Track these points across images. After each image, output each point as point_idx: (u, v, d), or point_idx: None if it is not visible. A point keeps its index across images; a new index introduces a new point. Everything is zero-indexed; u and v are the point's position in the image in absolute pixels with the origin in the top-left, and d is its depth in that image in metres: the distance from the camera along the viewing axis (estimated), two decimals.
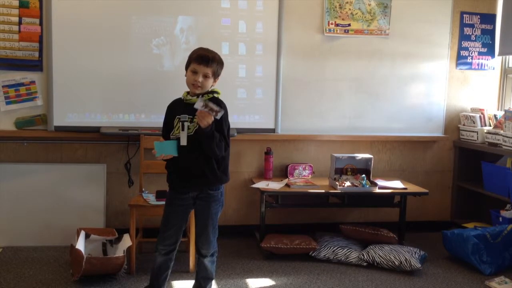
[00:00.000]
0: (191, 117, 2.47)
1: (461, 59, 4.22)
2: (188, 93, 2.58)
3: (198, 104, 2.35)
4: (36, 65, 3.51)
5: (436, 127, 4.21)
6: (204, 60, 2.48)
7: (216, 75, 2.55)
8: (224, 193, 2.67)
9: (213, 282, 3.11)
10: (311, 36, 3.91)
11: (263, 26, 3.75)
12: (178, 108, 2.55)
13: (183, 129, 2.47)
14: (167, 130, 2.60)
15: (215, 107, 2.35)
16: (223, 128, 2.51)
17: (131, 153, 3.71)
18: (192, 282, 2.87)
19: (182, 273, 3.22)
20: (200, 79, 2.48)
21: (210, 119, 2.37)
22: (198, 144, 2.46)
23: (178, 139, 2.50)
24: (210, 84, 2.54)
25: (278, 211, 3.99)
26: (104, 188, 3.71)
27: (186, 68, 2.57)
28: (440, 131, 4.23)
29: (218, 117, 2.38)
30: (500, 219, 3.69)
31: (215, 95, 2.56)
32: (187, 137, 2.47)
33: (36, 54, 3.50)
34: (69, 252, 3.21)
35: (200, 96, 2.46)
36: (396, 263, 3.34)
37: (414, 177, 4.20)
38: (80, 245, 3.08)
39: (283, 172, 3.98)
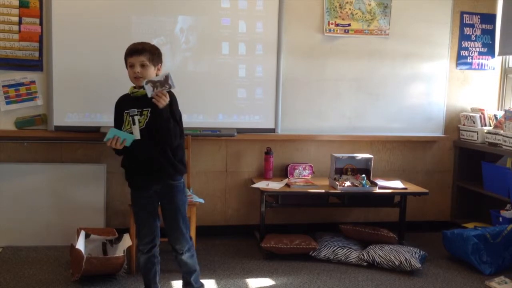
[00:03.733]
0: (140, 110, 2.49)
1: (461, 59, 4.22)
2: (134, 87, 2.59)
3: (149, 90, 2.36)
4: (36, 65, 3.51)
5: (436, 127, 4.21)
6: (135, 51, 2.51)
7: (154, 63, 2.54)
8: (185, 185, 2.68)
9: (213, 282, 3.11)
10: (311, 36, 3.91)
11: (263, 26, 3.75)
12: (126, 103, 2.56)
13: (134, 124, 2.48)
14: (119, 127, 2.58)
15: (161, 78, 2.36)
16: (174, 112, 2.51)
17: None
18: None
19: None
20: (138, 69, 2.49)
21: (167, 98, 2.40)
22: (151, 136, 2.48)
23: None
24: (151, 73, 2.53)
25: (278, 211, 3.99)
26: (104, 188, 3.71)
27: (126, 66, 2.57)
28: (440, 131, 4.22)
29: (174, 86, 2.38)
30: (500, 219, 3.69)
31: None
32: (139, 131, 2.48)
33: (36, 54, 3.50)
34: (69, 252, 3.21)
35: (143, 82, 2.42)
36: (396, 263, 3.34)
37: (414, 177, 4.20)
38: (80, 245, 3.08)
39: (283, 172, 3.97)
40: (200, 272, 2.80)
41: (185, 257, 2.65)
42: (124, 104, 2.58)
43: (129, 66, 2.54)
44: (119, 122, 2.58)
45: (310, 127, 3.98)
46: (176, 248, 2.63)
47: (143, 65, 2.50)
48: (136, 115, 2.49)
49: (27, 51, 3.48)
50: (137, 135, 2.47)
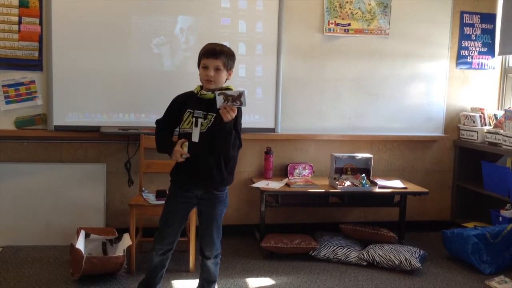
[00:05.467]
0: (205, 113, 2.46)
1: (461, 59, 4.22)
2: (201, 87, 2.54)
3: (219, 101, 2.33)
4: (36, 64, 3.51)
5: (436, 126, 4.21)
6: (212, 53, 2.46)
7: (228, 68, 2.50)
8: (228, 194, 2.63)
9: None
10: (311, 35, 3.91)
11: (263, 26, 3.75)
12: (191, 102, 2.51)
13: (196, 125, 2.44)
14: (172, 120, 2.56)
15: (235, 94, 2.32)
16: (237, 125, 2.48)
17: (131, 153, 3.71)
18: (192, 282, 2.87)
19: (182, 273, 3.22)
20: (212, 73, 2.45)
21: (234, 113, 2.36)
22: (208, 142, 2.44)
23: (187, 134, 2.47)
24: (223, 78, 2.50)
25: (278, 210, 3.99)
26: (104, 188, 3.71)
27: (198, 65, 2.53)
28: (440, 130, 4.23)
29: (245, 105, 2.34)
30: (500, 218, 3.69)
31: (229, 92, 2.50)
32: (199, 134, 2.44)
33: (36, 53, 3.50)
34: (69, 251, 3.21)
35: (216, 92, 2.38)
36: (396, 262, 3.34)
37: (414, 177, 4.20)
38: (80, 244, 3.08)
39: (283, 172, 3.98)
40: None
41: (210, 262, 2.61)
42: (188, 102, 2.52)
43: (202, 67, 2.48)
44: (173, 118, 2.54)
45: (310, 127, 3.98)
46: (204, 252, 2.60)
47: (217, 69, 2.46)
48: (201, 117, 2.45)
49: (27, 51, 3.48)
50: (195, 137, 2.43)
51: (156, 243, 2.59)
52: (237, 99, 2.34)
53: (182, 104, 2.55)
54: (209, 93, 2.48)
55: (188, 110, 2.49)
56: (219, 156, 2.48)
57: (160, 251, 2.58)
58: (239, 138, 2.50)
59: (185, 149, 2.45)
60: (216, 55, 2.45)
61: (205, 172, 2.48)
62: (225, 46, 2.54)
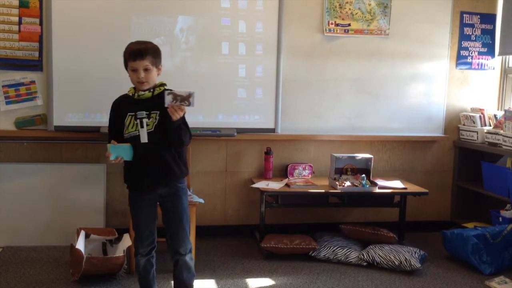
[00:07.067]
0: (148, 113, 2.44)
1: (461, 59, 4.22)
2: (134, 89, 2.52)
3: (167, 100, 2.31)
4: (36, 65, 3.51)
5: (436, 127, 4.21)
6: (138, 55, 2.43)
7: (156, 64, 2.49)
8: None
9: (213, 282, 3.12)
10: (311, 36, 3.91)
11: (263, 26, 3.75)
12: (128, 105, 2.49)
13: (142, 126, 2.42)
14: (115, 130, 2.51)
15: (184, 94, 2.31)
16: (184, 118, 2.46)
17: None
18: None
19: None
20: (142, 74, 2.43)
21: (183, 111, 2.36)
22: (158, 139, 2.43)
23: (133, 138, 2.44)
24: (154, 76, 2.48)
25: (278, 211, 3.99)
26: (104, 188, 3.71)
27: (126, 67, 2.51)
28: (440, 131, 4.22)
29: (193, 105, 2.33)
30: (500, 219, 3.69)
31: (166, 87, 2.50)
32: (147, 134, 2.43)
33: (36, 54, 3.50)
34: (69, 252, 3.21)
35: (165, 91, 2.36)
36: (396, 263, 3.34)
37: (414, 177, 4.20)
38: (80, 245, 3.08)
39: (283, 172, 3.98)
40: (196, 274, 2.75)
41: (188, 258, 2.59)
42: (125, 106, 2.50)
43: (131, 70, 2.46)
44: (118, 124, 2.51)
45: (310, 127, 3.98)
46: (179, 250, 2.57)
47: (146, 70, 2.44)
48: (145, 117, 2.43)
49: (27, 51, 3.48)
50: (144, 138, 2.42)
51: (138, 248, 2.59)
52: (186, 99, 2.32)
53: (120, 109, 2.52)
54: (146, 92, 2.47)
55: (129, 114, 2.46)
56: (172, 151, 2.49)
57: (144, 253, 2.60)
58: (188, 129, 2.48)
59: (108, 150, 2.41)
60: (142, 56, 2.42)
61: (164, 169, 2.48)
62: (148, 43, 2.51)
